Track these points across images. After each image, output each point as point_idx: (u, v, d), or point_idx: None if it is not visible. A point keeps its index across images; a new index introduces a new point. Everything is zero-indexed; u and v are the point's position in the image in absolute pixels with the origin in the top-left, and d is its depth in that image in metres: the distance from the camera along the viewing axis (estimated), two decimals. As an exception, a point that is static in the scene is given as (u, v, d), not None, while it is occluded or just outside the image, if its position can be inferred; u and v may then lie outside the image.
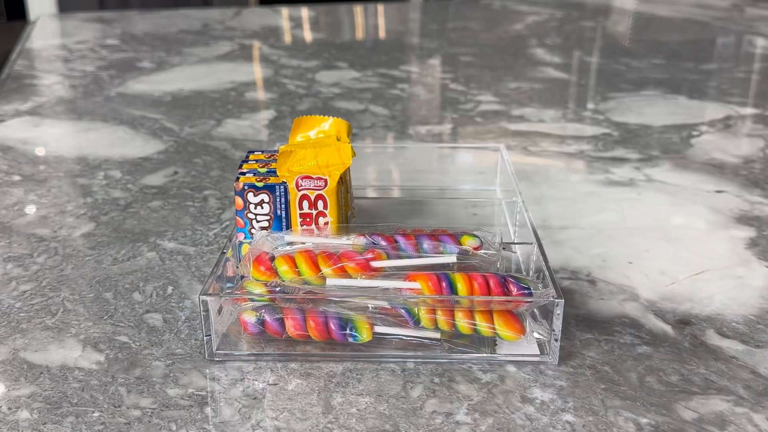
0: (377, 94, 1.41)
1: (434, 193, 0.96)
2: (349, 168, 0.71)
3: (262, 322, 0.61)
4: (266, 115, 1.32)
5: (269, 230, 0.69)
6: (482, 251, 0.64)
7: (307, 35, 2.04)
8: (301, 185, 0.67)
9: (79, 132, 1.21)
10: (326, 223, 0.68)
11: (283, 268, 0.61)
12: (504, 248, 0.66)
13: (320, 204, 0.68)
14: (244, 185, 0.68)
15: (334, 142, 0.72)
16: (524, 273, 0.69)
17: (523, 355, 0.60)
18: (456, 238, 0.65)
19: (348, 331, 0.60)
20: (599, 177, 1.00)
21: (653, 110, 1.30)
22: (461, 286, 0.59)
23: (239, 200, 0.69)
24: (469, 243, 0.64)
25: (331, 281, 0.61)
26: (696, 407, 0.55)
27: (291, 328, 0.61)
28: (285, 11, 2.34)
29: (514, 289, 0.59)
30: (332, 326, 0.60)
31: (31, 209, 0.92)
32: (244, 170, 0.71)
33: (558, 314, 0.59)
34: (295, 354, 0.61)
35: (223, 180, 1.00)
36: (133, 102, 1.36)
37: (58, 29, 2.10)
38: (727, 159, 1.06)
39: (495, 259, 0.64)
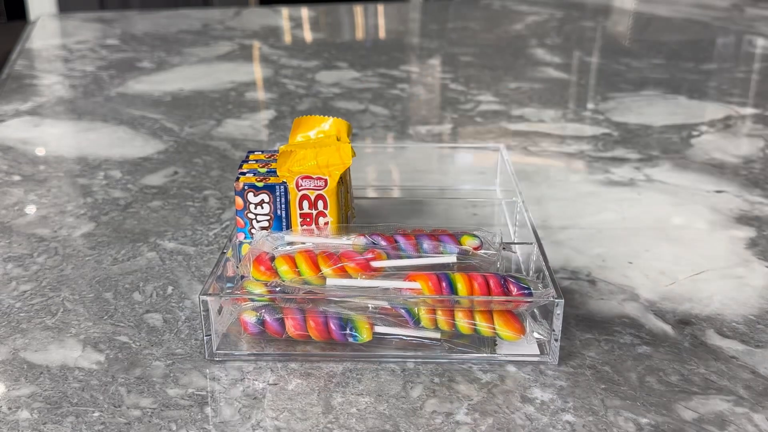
0: (377, 94, 1.41)
1: (434, 193, 0.96)
2: (349, 168, 0.71)
3: (262, 322, 0.61)
4: (266, 115, 1.32)
5: (269, 230, 0.69)
6: (482, 251, 0.64)
7: (307, 35, 2.04)
8: (301, 185, 0.67)
9: (79, 132, 1.21)
10: (326, 223, 0.68)
11: (283, 268, 0.61)
12: (504, 248, 0.66)
13: (320, 204, 0.68)
14: (244, 185, 0.68)
15: (334, 142, 0.72)
16: (524, 273, 0.69)
17: (523, 355, 0.60)
18: (456, 238, 0.65)
19: (348, 331, 0.60)
20: (599, 177, 1.00)
21: (653, 110, 1.30)
22: (461, 286, 0.59)
23: (239, 200, 0.69)
24: (469, 243, 0.64)
25: (331, 281, 0.61)
26: (696, 407, 0.55)
27: (291, 328, 0.61)
28: (285, 11, 2.34)
29: (514, 289, 0.59)
30: (332, 326, 0.60)
31: (31, 209, 0.92)
32: (244, 170, 0.71)
33: (558, 314, 0.59)
34: (295, 354, 0.61)
35: (223, 180, 1.00)
36: (133, 102, 1.36)
37: (58, 29, 2.10)
38: (727, 159, 1.06)
39: (495, 259, 0.64)
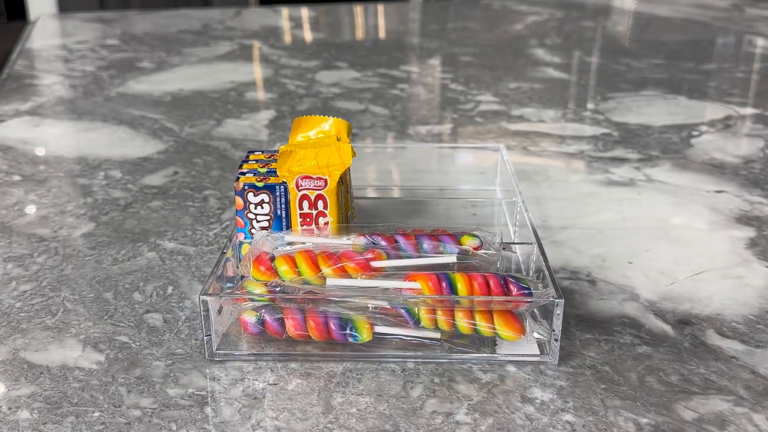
0: (377, 94, 1.41)
1: (434, 193, 0.96)
2: (349, 168, 0.71)
3: (262, 322, 0.61)
4: (266, 115, 1.32)
5: (269, 230, 0.69)
6: (482, 251, 0.64)
7: (307, 35, 2.04)
8: (301, 185, 0.67)
9: (79, 132, 1.21)
10: (326, 223, 0.68)
11: (283, 268, 0.61)
12: (504, 248, 0.66)
13: (320, 204, 0.68)
14: (244, 185, 0.68)
15: (334, 142, 0.72)
16: (524, 273, 0.69)
17: (523, 355, 0.60)
18: (456, 238, 0.65)
19: (348, 331, 0.60)
20: (599, 177, 1.00)
21: (653, 110, 1.30)
22: (461, 286, 0.59)
23: (239, 200, 0.69)
24: (469, 243, 0.64)
25: (331, 281, 0.61)
26: (696, 407, 0.55)
27: (291, 328, 0.61)
28: (285, 11, 2.34)
29: (514, 289, 0.59)
30: (332, 326, 0.60)
31: (31, 209, 0.92)
32: (244, 170, 0.71)
33: (558, 314, 0.59)
34: (295, 354, 0.61)
35: (223, 180, 1.00)
36: (133, 102, 1.36)
37: (58, 29, 2.10)
38: (727, 159, 1.06)
39: (495, 259, 0.64)
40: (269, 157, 0.75)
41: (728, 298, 0.70)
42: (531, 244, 0.68)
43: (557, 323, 0.59)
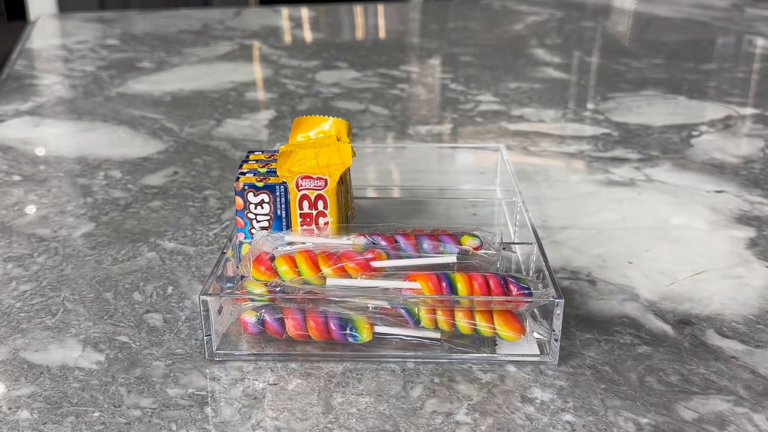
0: (377, 94, 1.41)
1: (434, 193, 0.96)
2: (349, 168, 0.71)
3: (262, 322, 0.61)
4: (266, 115, 1.32)
5: (269, 230, 0.69)
6: (482, 251, 0.64)
7: (307, 35, 2.04)
8: (301, 185, 0.67)
9: (79, 132, 1.21)
10: (326, 223, 0.68)
11: (283, 268, 0.61)
12: (504, 248, 0.66)
13: (320, 204, 0.68)
14: (244, 185, 0.68)
15: (334, 142, 0.72)
16: (524, 273, 0.69)
17: (523, 355, 0.60)
18: (456, 238, 0.65)
19: (348, 331, 0.60)
20: (599, 177, 1.00)
21: (653, 110, 1.30)
22: (461, 286, 0.59)
23: (239, 200, 0.69)
24: (469, 243, 0.64)
25: (331, 281, 0.61)
26: (696, 407, 0.55)
27: (291, 328, 0.61)
28: (285, 11, 2.34)
29: (514, 289, 0.59)
30: (332, 326, 0.60)
31: (31, 209, 0.92)
32: (244, 170, 0.71)
33: (558, 314, 0.59)
34: (295, 354, 0.61)
35: (223, 180, 1.00)
36: (133, 102, 1.36)
37: (58, 29, 2.10)
38: (727, 159, 1.06)
39: (495, 259, 0.64)
40: (269, 157, 0.75)
41: (728, 298, 0.70)
42: (531, 244, 0.68)
43: (557, 323, 0.59)
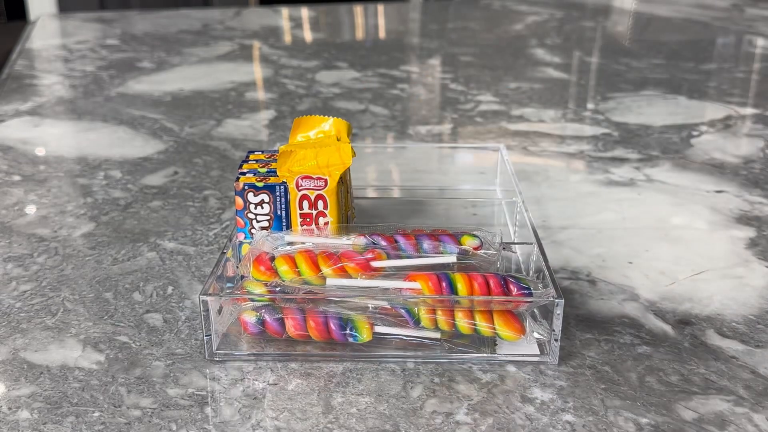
0: (377, 94, 1.41)
1: (434, 193, 0.96)
2: (349, 168, 0.71)
3: (262, 322, 0.61)
4: (266, 115, 1.32)
5: (269, 230, 0.69)
6: (482, 251, 0.64)
7: (307, 35, 2.04)
8: (301, 185, 0.67)
9: (79, 132, 1.21)
10: (326, 223, 0.68)
11: (283, 268, 0.61)
12: (504, 248, 0.66)
13: (320, 204, 0.68)
14: (244, 185, 0.68)
15: (334, 142, 0.72)
16: (524, 273, 0.69)
17: (523, 355, 0.60)
18: (456, 238, 0.65)
19: (348, 331, 0.60)
20: (599, 177, 1.00)
21: (653, 110, 1.30)
22: (461, 286, 0.59)
23: (239, 200, 0.69)
24: (469, 243, 0.64)
25: (331, 281, 0.61)
26: (696, 407, 0.55)
27: (291, 328, 0.61)
28: (285, 11, 2.34)
29: (514, 289, 0.59)
30: (332, 326, 0.60)
31: (31, 209, 0.92)
32: (244, 170, 0.71)
33: (558, 314, 0.59)
34: (295, 354, 0.61)
35: (223, 180, 1.00)
36: (133, 102, 1.36)
37: (58, 29, 2.10)
38: (727, 159, 1.06)
39: (495, 259, 0.64)
40: (269, 157, 0.75)
41: (728, 298, 0.70)
42: (531, 244, 0.68)
43: (557, 323, 0.59)
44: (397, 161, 1.06)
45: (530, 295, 0.59)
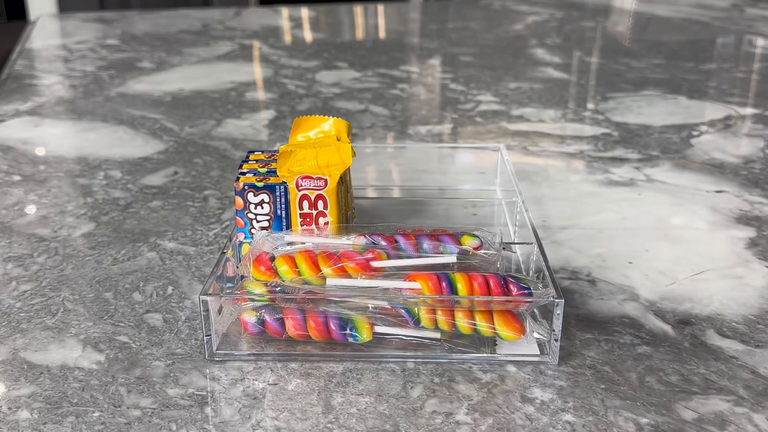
0: (377, 94, 1.41)
1: (434, 193, 0.96)
2: (349, 168, 0.71)
3: (262, 322, 0.61)
4: (266, 115, 1.32)
5: (269, 230, 0.69)
6: (482, 251, 0.64)
7: (307, 35, 2.04)
8: (301, 185, 0.67)
9: (79, 132, 1.21)
10: (326, 223, 0.68)
11: (283, 268, 0.61)
12: (504, 248, 0.66)
13: (320, 204, 0.68)
14: (244, 185, 0.68)
15: (334, 142, 0.72)
16: (524, 273, 0.69)
17: (523, 355, 0.60)
18: (456, 238, 0.65)
19: (348, 331, 0.60)
20: (599, 177, 1.00)
21: (653, 110, 1.30)
22: (461, 286, 0.59)
23: (239, 200, 0.69)
24: (469, 243, 0.64)
25: (331, 281, 0.61)
26: (696, 407, 0.55)
27: (291, 328, 0.61)
28: (285, 11, 2.34)
29: (514, 289, 0.59)
30: (332, 326, 0.60)
31: (31, 209, 0.92)
32: (244, 170, 0.71)
33: (558, 314, 0.59)
34: (295, 354, 0.61)
35: (223, 180, 1.00)
36: (133, 102, 1.36)
37: (58, 29, 2.10)
38: (727, 159, 1.06)
39: (495, 259, 0.64)
40: (269, 157, 0.75)
41: (728, 298, 0.70)
42: (531, 244, 0.68)
43: (557, 323, 0.59)
44: (397, 161, 1.06)
45: (530, 295, 0.59)
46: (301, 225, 0.68)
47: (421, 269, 0.62)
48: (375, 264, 0.62)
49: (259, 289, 0.61)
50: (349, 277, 0.61)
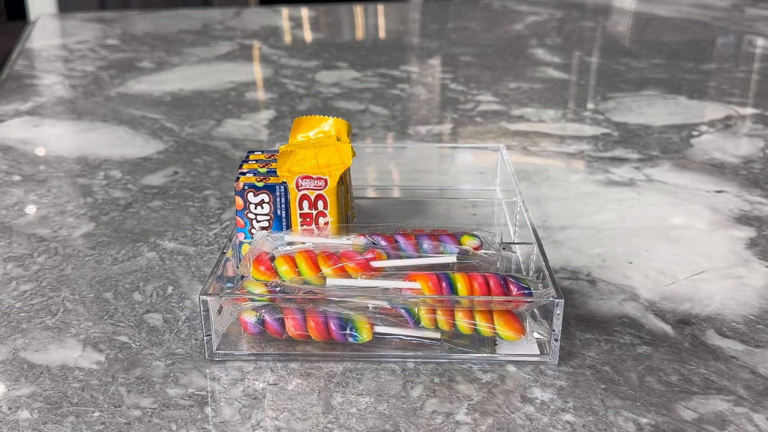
0: (377, 94, 1.41)
1: (434, 193, 0.96)
2: (349, 168, 0.71)
3: (262, 322, 0.61)
4: (266, 115, 1.32)
5: (269, 230, 0.69)
6: (482, 251, 0.64)
7: (307, 35, 2.04)
8: (301, 185, 0.67)
9: (79, 132, 1.21)
10: (326, 223, 0.68)
11: (283, 268, 0.61)
12: (504, 248, 0.66)
13: (320, 204, 0.68)
14: (244, 185, 0.68)
15: (334, 142, 0.72)
16: (524, 273, 0.69)
17: (523, 355, 0.60)
18: (456, 238, 0.65)
19: (348, 331, 0.60)
20: (599, 177, 1.00)
21: (653, 110, 1.30)
22: (461, 286, 0.59)
23: (239, 200, 0.69)
24: (469, 243, 0.64)
25: (331, 281, 0.61)
26: (696, 407, 0.55)
27: (291, 328, 0.61)
28: (285, 11, 2.34)
29: (514, 289, 0.59)
30: (332, 326, 0.60)
31: (31, 209, 0.92)
32: (244, 170, 0.71)
33: (558, 314, 0.59)
34: (295, 354, 0.61)
35: (223, 180, 1.00)
36: (133, 102, 1.36)
37: (58, 29, 2.10)
38: (727, 159, 1.06)
39: (495, 259, 0.64)
40: (269, 157, 0.75)
41: (728, 298, 0.70)
42: (531, 244, 0.68)
43: (557, 323, 0.59)
44: (397, 161, 1.06)
45: (530, 295, 0.59)
46: (301, 225, 0.68)
47: (421, 269, 0.62)
48: (375, 264, 0.62)
49: (259, 289, 0.61)
50: (349, 277, 0.61)
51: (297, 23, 2.21)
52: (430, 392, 0.57)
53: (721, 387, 0.57)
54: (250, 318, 0.61)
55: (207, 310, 0.60)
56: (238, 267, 0.66)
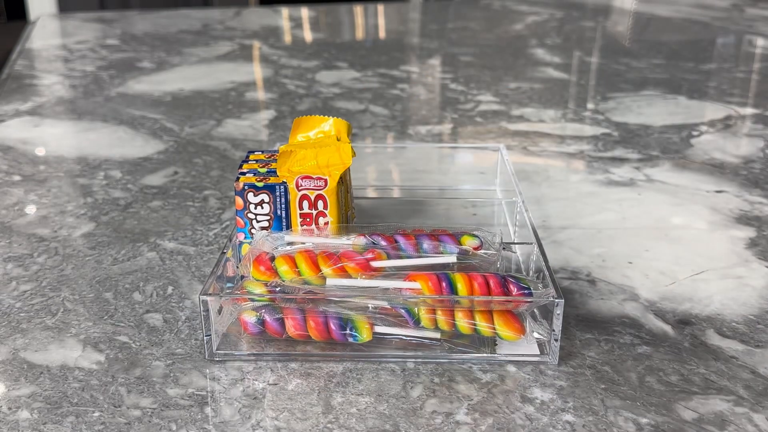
0: (377, 94, 1.41)
1: (434, 193, 0.96)
2: (349, 168, 0.71)
3: (262, 322, 0.61)
4: (266, 115, 1.32)
5: (269, 230, 0.69)
6: (482, 251, 0.64)
7: (307, 35, 2.04)
8: (301, 185, 0.67)
9: (79, 132, 1.21)
10: (326, 223, 0.68)
11: (283, 268, 0.61)
12: (504, 248, 0.66)
13: (320, 204, 0.68)
14: (244, 185, 0.68)
15: (334, 142, 0.72)
16: (524, 273, 0.69)
17: (523, 355, 0.60)
18: (456, 238, 0.65)
19: (348, 331, 0.60)
20: (599, 177, 1.00)
21: (653, 110, 1.30)
22: (461, 286, 0.59)
23: (239, 200, 0.69)
24: (469, 243, 0.64)
25: (331, 281, 0.61)
26: (696, 407, 0.55)
27: (291, 328, 0.61)
28: (285, 11, 2.34)
29: (514, 289, 0.59)
30: (332, 326, 0.60)
31: (31, 209, 0.92)
32: (244, 170, 0.71)
33: (558, 314, 0.59)
34: (295, 354, 0.61)
35: (223, 180, 1.00)
36: (133, 102, 1.36)
37: (58, 29, 2.10)
38: (727, 159, 1.06)
39: (495, 259, 0.64)
40: (269, 157, 0.75)
41: (728, 298, 0.70)
42: (531, 244, 0.68)
43: (557, 323, 0.59)
44: (397, 161, 1.06)
45: (530, 295, 0.59)
46: (301, 225, 0.68)
47: (421, 269, 0.62)
48: (375, 264, 0.62)
49: (259, 289, 0.61)
50: (349, 277, 0.61)
51: (297, 23, 2.21)
52: (430, 392, 0.57)
53: (721, 387, 0.57)
54: (250, 318, 0.61)
55: (207, 310, 0.60)
56: (238, 267, 0.66)
